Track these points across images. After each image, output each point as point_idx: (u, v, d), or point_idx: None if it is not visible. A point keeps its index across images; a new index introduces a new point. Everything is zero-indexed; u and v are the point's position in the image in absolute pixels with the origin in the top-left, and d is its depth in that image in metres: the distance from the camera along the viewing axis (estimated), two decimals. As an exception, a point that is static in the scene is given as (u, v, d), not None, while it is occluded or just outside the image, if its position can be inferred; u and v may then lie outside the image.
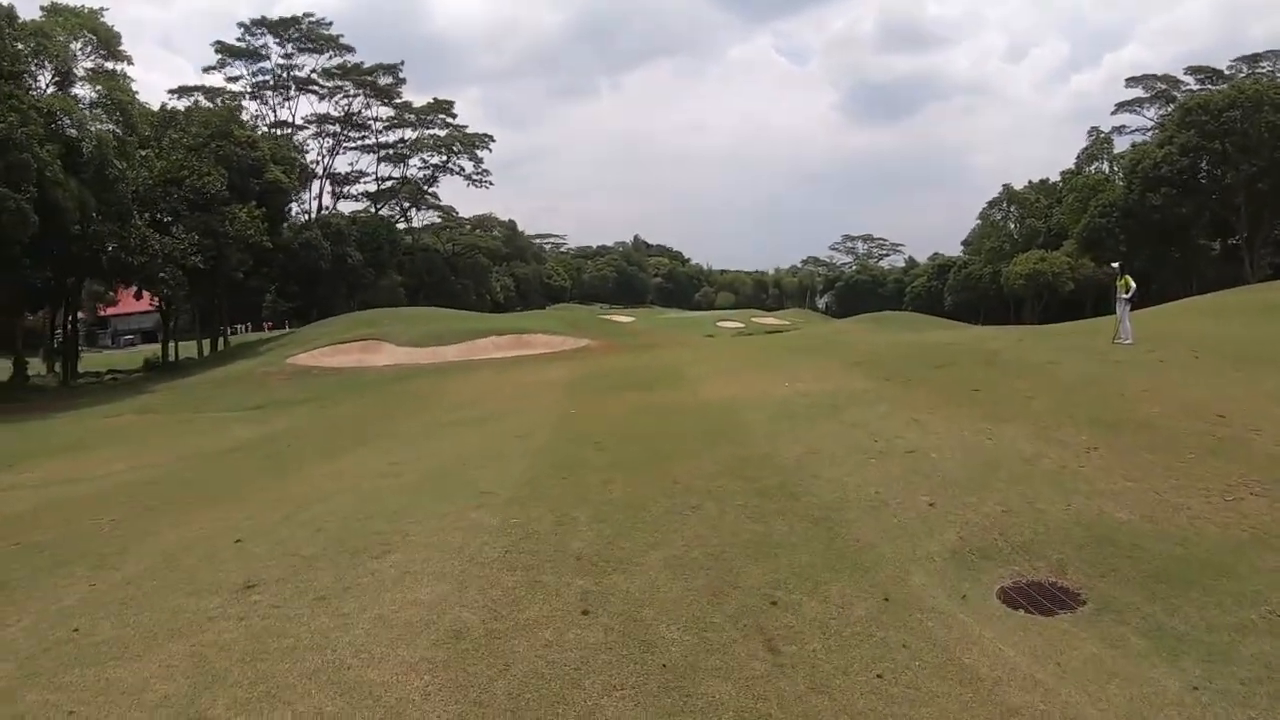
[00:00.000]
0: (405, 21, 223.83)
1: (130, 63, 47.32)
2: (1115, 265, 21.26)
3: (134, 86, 47.53)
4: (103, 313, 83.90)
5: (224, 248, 49.70)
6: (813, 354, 23.84)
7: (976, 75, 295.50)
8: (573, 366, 29.07)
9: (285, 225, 69.75)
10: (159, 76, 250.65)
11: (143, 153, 48.92)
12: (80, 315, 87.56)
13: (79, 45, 44.91)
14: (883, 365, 18.85)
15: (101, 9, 46.33)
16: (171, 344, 56.62)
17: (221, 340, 63.12)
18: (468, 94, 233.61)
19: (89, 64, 45.72)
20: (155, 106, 56.19)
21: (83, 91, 45.06)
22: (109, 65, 46.49)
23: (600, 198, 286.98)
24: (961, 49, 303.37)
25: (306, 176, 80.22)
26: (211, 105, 65.36)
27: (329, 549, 8.11)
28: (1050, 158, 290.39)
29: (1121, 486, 8.47)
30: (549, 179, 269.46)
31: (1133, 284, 20.46)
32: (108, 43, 45.57)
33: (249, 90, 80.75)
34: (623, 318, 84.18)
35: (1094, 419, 11.37)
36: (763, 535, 7.53)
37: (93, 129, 42.51)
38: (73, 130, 41.48)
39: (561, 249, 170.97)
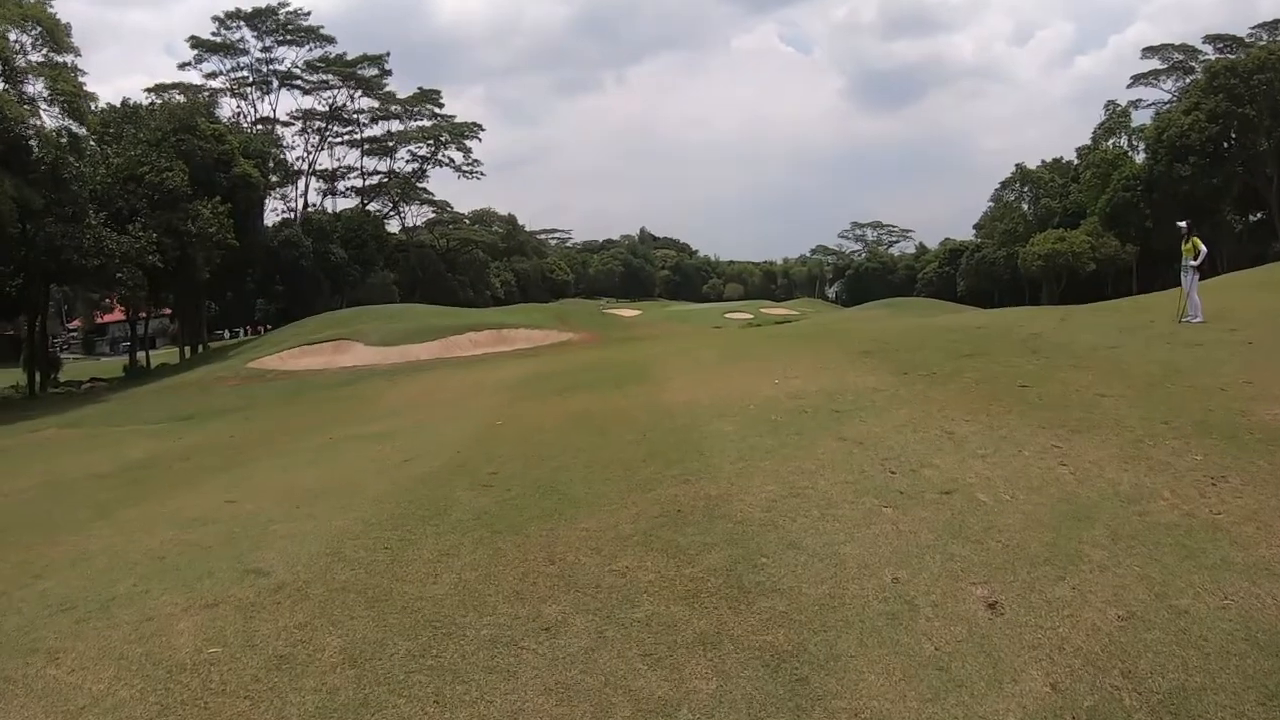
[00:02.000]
0: (407, 20, 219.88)
1: (78, 54, 43.95)
2: (1183, 224, 17.28)
3: (83, 80, 44.12)
4: (100, 320, 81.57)
5: (188, 246, 46.39)
6: (812, 342, 19.83)
7: (982, 59, 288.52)
8: (539, 364, 25.26)
9: (263, 223, 66.65)
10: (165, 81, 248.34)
11: (109, 148, 46.02)
12: (78, 322, 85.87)
13: (28, 39, 41.71)
14: (897, 354, 15.01)
15: None
16: (163, 348, 53.92)
17: (201, 345, 59.85)
18: (473, 91, 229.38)
19: (37, 57, 42.38)
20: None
21: (32, 88, 41.83)
22: (58, 59, 43.17)
23: (606, 192, 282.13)
24: (966, 33, 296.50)
25: (287, 172, 76.77)
26: (185, 100, 61.96)
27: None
28: (1057, 142, 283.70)
29: (1295, 551, 4.93)
30: (555, 175, 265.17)
31: (1202, 248, 16.59)
32: (53, 34, 42.09)
33: (230, 87, 77.25)
34: (626, 312, 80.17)
35: (1201, 427, 7.89)
36: (661, 708, 3.82)
37: (33, 124, 39.13)
38: (22, 127, 38.13)
39: (567, 244, 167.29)
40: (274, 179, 69.85)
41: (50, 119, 41.86)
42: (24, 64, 41.02)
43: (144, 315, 54.44)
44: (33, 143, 38.83)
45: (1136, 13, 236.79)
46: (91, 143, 45.36)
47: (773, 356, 17.11)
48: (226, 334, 77.33)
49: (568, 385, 17.03)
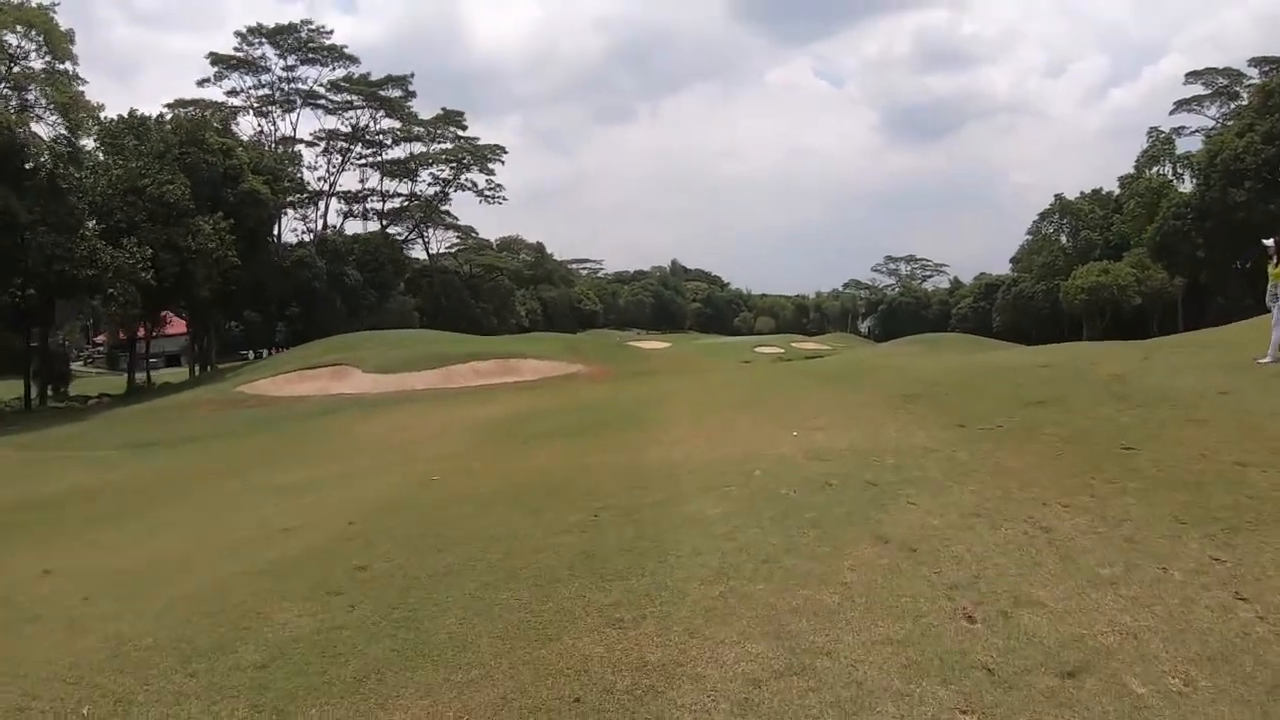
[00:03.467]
0: (445, 50, 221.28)
1: (76, 62, 42.37)
2: (1269, 242, 13.63)
3: (83, 88, 42.57)
4: (124, 336, 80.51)
5: (187, 262, 44.38)
6: (844, 381, 16.66)
7: (1016, 93, 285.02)
8: (531, 400, 22.36)
9: (276, 242, 64.92)
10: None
11: (111, 159, 44.53)
12: (103, 337, 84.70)
13: (31, 46, 40.23)
14: (948, 400, 11.99)
15: (53, 5, 41.60)
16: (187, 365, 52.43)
17: (209, 365, 58.27)
18: (510, 122, 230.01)
19: (39, 64, 40.88)
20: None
21: (29, 95, 40.28)
22: (60, 66, 41.64)
23: (639, 223, 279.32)
24: (999, 66, 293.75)
25: (304, 191, 74.93)
26: (201, 115, 60.45)
27: None
28: (1091, 176, 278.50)
29: None
30: (589, 205, 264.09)
31: None
32: (49, 38, 40.47)
33: (252, 105, 75.83)
34: (648, 344, 76.93)
35: None
36: None
37: (21, 132, 37.47)
38: (10, 135, 36.49)
39: (599, 274, 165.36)
40: (288, 198, 68.01)
41: (48, 128, 40.52)
42: (19, 70, 39.51)
43: (141, 335, 52.93)
44: (30, 149, 37.35)
45: (1170, 44, 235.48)
46: (99, 155, 43.95)
47: (796, 398, 14.16)
48: (251, 355, 75.53)
49: (545, 430, 14.19)
